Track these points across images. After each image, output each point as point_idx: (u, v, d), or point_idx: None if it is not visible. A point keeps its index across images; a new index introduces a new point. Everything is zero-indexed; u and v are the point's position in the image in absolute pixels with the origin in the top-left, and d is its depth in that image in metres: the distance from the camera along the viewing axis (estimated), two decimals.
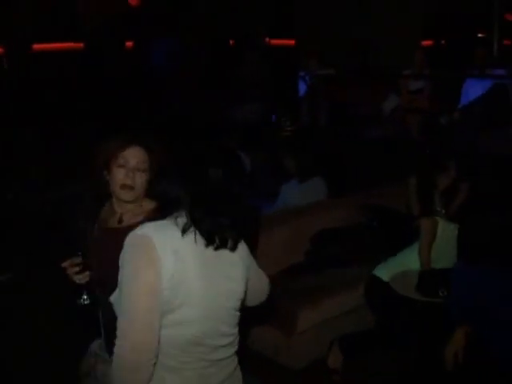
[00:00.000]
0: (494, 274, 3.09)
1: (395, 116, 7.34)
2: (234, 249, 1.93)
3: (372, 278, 3.89)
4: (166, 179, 1.93)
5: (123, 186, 2.35)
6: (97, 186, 2.47)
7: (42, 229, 5.77)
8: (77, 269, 2.38)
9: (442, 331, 3.22)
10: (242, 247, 2.01)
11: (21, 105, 9.18)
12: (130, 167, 2.36)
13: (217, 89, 9.35)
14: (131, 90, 9.87)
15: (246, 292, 2.02)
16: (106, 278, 2.08)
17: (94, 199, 2.53)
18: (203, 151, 1.97)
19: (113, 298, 1.95)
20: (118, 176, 2.36)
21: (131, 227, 1.93)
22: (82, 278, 2.39)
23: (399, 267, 3.86)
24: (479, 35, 10.72)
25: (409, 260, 3.87)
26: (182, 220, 1.85)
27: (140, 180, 2.36)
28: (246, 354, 2.27)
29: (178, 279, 1.79)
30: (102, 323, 2.50)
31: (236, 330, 2.00)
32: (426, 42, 10.50)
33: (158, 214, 1.92)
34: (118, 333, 1.81)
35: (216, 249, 1.87)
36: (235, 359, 2.04)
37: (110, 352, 2.38)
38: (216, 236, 1.87)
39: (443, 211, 3.91)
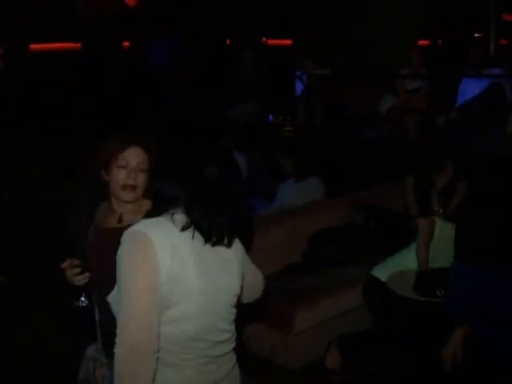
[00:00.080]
0: (491, 274, 3.09)
1: (392, 116, 7.33)
2: (229, 245, 1.96)
3: (370, 278, 3.89)
4: (161, 178, 1.94)
5: (125, 187, 2.35)
6: (96, 187, 2.47)
7: (41, 229, 5.79)
8: (77, 270, 2.37)
9: (440, 331, 3.21)
10: (237, 244, 2.03)
11: (20, 105, 9.18)
12: (131, 168, 2.36)
13: (213, 89, 9.34)
14: (129, 90, 9.87)
15: (241, 288, 2.03)
16: (106, 278, 2.07)
17: (92, 199, 2.53)
18: (199, 150, 1.97)
19: (110, 298, 1.96)
20: (120, 176, 2.36)
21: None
22: (81, 280, 2.37)
23: (397, 267, 3.86)
24: (476, 35, 10.73)
25: (406, 260, 3.86)
26: (179, 217, 1.87)
27: (140, 180, 2.36)
28: (243, 355, 2.27)
29: (175, 275, 1.80)
30: (98, 325, 2.49)
31: (233, 327, 2.02)
32: (423, 42, 10.51)
33: (153, 212, 1.93)
34: (119, 331, 1.81)
35: (213, 245, 1.90)
36: (233, 357, 2.05)
37: (108, 354, 2.38)
38: (213, 233, 1.88)
39: (441, 211, 3.91)
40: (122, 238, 1.85)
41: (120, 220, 2.41)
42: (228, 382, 2.02)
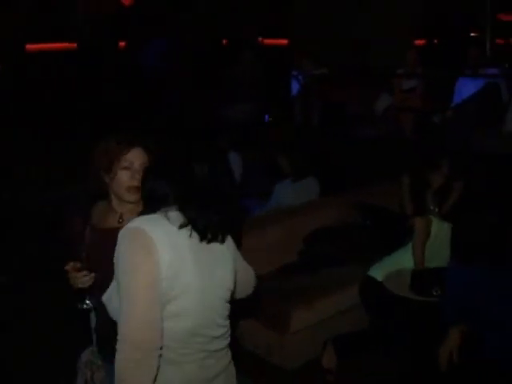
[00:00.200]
0: (487, 274, 3.08)
1: (388, 115, 7.34)
2: (222, 242, 1.98)
3: (366, 278, 3.88)
4: (152, 177, 1.95)
5: (130, 189, 2.35)
6: (97, 187, 2.46)
7: (41, 229, 5.77)
8: (83, 273, 2.34)
9: (437, 331, 3.20)
10: (229, 240, 2.05)
11: (17, 105, 9.17)
12: (135, 169, 2.36)
13: (210, 88, 9.34)
14: (125, 89, 9.86)
15: (235, 283, 2.05)
16: (106, 279, 2.06)
17: (91, 200, 2.52)
18: (188, 149, 1.98)
19: (105, 298, 1.95)
20: (123, 178, 2.36)
21: None
22: (85, 282, 2.34)
23: (393, 267, 3.85)
24: (472, 34, 10.75)
25: (403, 259, 3.86)
26: (173, 214, 1.87)
27: None
28: (239, 354, 2.27)
29: (175, 270, 1.81)
30: (93, 328, 2.49)
31: (228, 322, 2.03)
32: (419, 42, 10.53)
33: (146, 211, 1.93)
34: (120, 329, 1.80)
35: (208, 242, 1.91)
36: (228, 353, 2.06)
37: (104, 357, 2.37)
38: (208, 231, 1.90)
39: (436, 210, 3.91)
40: (120, 236, 1.85)
41: (120, 220, 2.41)
42: (225, 378, 2.03)
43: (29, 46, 10.72)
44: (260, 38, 11.88)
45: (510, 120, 6.24)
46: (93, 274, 2.33)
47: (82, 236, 2.50)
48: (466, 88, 6.68)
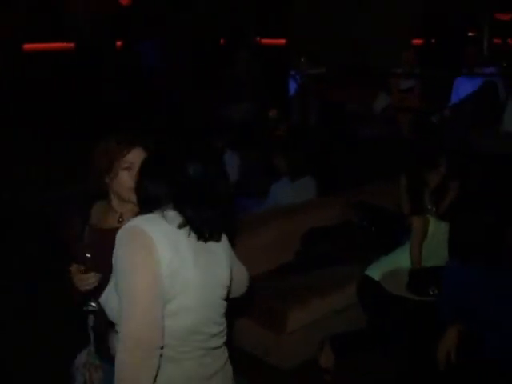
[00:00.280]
0: (485, 273, 3.08)
1: (386, 115, 7.34)
2: (218, 240, 1.99)
3: (364, 277, 3.88)
4: (145, 177, 1.94)
5: (131, 189, 2.32)
6: (97, 187, 2.46)
7: (41, 229, 5.79)
8: (92, 274, 2.31)
9: (434, 330, 3.20)
10: (224, 239, 2.06)
11: (14, 105, 9.17)
12: (136, 169, 2.33)
13: (208, 88, 9.34)
14: (123, 89, 9.86)
15: (231, 280, 2.05)
16: (105, 279, 2.05)
17: (90, 200, 2.52)
18: (181, 149, 1.97)
19: (102, 299, 1.94)
20: (124, 178, 2.35)
21: None
22: (92, 284, 2.31)
23: (391, 266, 3.85)
24: (470, 34, 10.77)
25: (400, 259, 3.86)
26: (170, 213, 1.87)
27: None
28: (236, 355, 2.26)
29: (175, 269, 1.81)
30: (91, 329, 2.48)
31: (224, 320, 2.04)
32: (417, 41, 10.54)
33: (142, 211, 1.93)
34: (122, 329, 1.79)
35: (205, 241, 1.92)
36: (225, 351, 2.07)
37: (102, 357, 2.36)
38: (206, 231, 1.90)
39: (433, 209, 3.91)
40: (119, 236, 1.84)
41: (120, 219, 2.40)
42: (222, 376, 2.03)
43: (26, 46, 10.71)
44: (258, 38, 11.88)
45: (507, 119, 6.25)
46: (99, 275, 2.30)
47: (81, 236, 2.49)
48: (464, 87, 6.69)
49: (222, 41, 12.33)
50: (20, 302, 4.65)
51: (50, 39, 10.85)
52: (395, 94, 7.41)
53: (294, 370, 3.85)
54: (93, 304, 2.37)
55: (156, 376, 1.81)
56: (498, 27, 9.40)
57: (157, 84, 10.16)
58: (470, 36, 10.63)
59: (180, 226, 1.85)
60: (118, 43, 11.49)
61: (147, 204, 1.93)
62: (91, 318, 2.47)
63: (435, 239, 3.81)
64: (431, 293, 3.50)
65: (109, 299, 1.89)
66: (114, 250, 1.84)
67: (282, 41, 11.68)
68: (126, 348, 1.77)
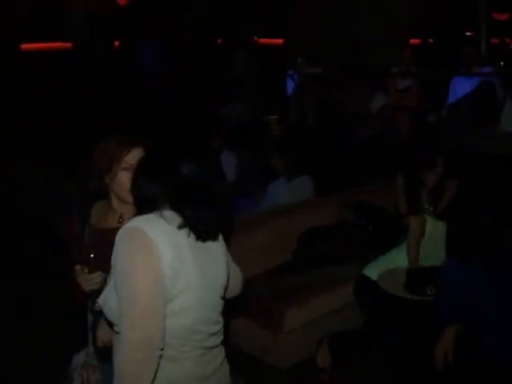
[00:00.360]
0: (483, 273, 3.08)
1: (383, 114, 7.33)
2: (216, 240, 2.00)
3: (361, 277, 3.88)
4: (141, 177, 1.93)
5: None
6: (97, 187, 2.45)
7: (41, 229, 5.79)
8: (98, 273, 2.31)
9: (432, 329, 3.20)
10: (220, 238, 2.06)
11: (12, 105, 9.17)
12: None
13: (206, 88, 9.34)
14: (120, 89, 9.86)
15: (228, 279, 2.06)
16: (105, 279, 2.05)
17: (90, 200, 2.51)
18: (176, 149, 1.96)
19: (101, 300, 1.93)
20: (124, 179, 2.35)
21: None
22: (98, 283, 2.31)
23: (388, 266, 3.85)
24: (467, 34, 10.78)
25: (397, 258, 3.86)
26: (168, 214, 1.87)
27: None
28: (233, 354, 2.27)
29: (176, 269, 1.81)
30: (90, 329, 2.48)
31: (221, 319, 2.04)
32: (414, 41, 10.55)
33: (140, 212, 1.92)
34: (124, 330, 1.79)
35: (204, 241, 1.92)
36: (222, 350, 2.06)
37: (101, 358, 2.36)
38: (204, 231, 1.91)
39: (431, 209, 3.90)
40: (118, 237, 1.83)
41: (120, 220, 2.40)
42: (220, 375, 2.03)
43: (24, 46, 10.70)
44: (255, 38, 11.88)
45: (504, 119, 6.25)
46: (104, 275, 2.28)
47: (81, 236, 2.49)
48: (461, 87, 6.69)
49: (219, 41, 12.31)
50: (20, 302, 4.65)
51: (49, 39, 10.84)
52: (393, 93, 7.40)
53: (291, 369, 3.85)
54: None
55: (156, 375, 1.81)
56: (496, 27, 9.42)
57: (155, 84, 10.15)
58: (468, 36, 10.64)
59: (180, 227, 1.85)
60: (116, 43, 11.48)
61: (143, 204, 1.92)
62: (90, 318, 2.47)
63: (432, 239, 3.81)
64: (429, 292, 3.50)
65: (108, 299, 1.89)
66: (114, 251, 1.84)
67: (280, 40, 11.68)
68: (127, 349, 1.76)
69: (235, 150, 5.94)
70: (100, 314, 2.37)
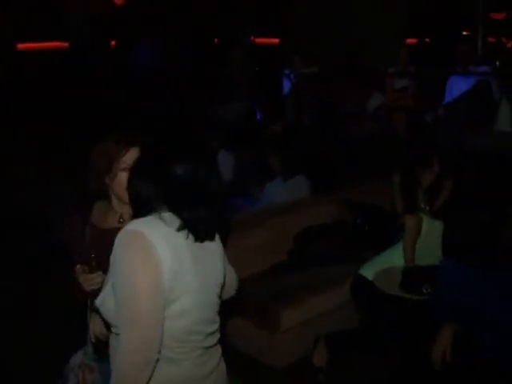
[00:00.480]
0: (479, 273, 3.08)
1: (380, 114, 7.34)
2: (213, 240, 2.00)
3: (357, 276, 3.88)
4: (136, 178, 1.93)
5: None
6: (97, 187, 2.45)
7: (41, 229, 5.78)
8: (99, 273, 2.31)
9: (428, 329, 3.20)
10: (217, 238, 2.06)
11: (17, 105, 9.17)
12: None
13: (202, 88, 9.33)
14: (117, 89, 9.85)
15: (225, 279, 2.06)
16: (105, 279, 2.04)
17: (90, 200, 2.51)
18: (171, 149, 1.95)
19: (99, 302, 1.92)
20: (123, 179, 2.32)
21: None
22: (99, 283, 2.31)
23: (384, 265, 3.85)
24: (464, 33, 10.80)
25: (394, 258, 3.86)
26: (166, 215, 1.87)
27: None
28: (230, 354, 2.26)
29: (175, 271, 1.80)
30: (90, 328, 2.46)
31: (218, 318, 2.04)
32: (411, 40, 10.56)
33: (138, 214, 1.92)
34: (121, 333, 1.79)
35: (202, 241, 1.92)
36: (219, 349, 2.06)
37: (99, 358, 2.35)
38: (202, 231, 1.90)
39: (427, 208, 3.90)
40: (118, 240, 1.83)
41: (121, 220, 2.40)
42: (217, 375, 2.02)
43: (23, 45, 10.68)
44: (252, 37, 11.88)
45: (501, 118, 6.25)
46: (105, 275, 2.26)
47: (81, 236, 2.48)
48: (458, 86, 6.69)
49: (216, 40, 12.31)
50: (20, 302, 4.65)
51: (49, 39, 10.83)
52: (389, 93, 7.41)
53: (287, 369, 3.85)
54: None
55: (156, 377, 1.81)
56: (493, 26, 9.43)
57: (152, 84, 10.14)
58: (465, 35, 10.66)
59: (179, 229, 1.85)
60: (113, 43, 11.47)
61: (138, 204, 1.92)
62: (89, 318, 2.46)
63: (429, 238, 3.81)
64: (424, 291, 3.50)
65: (105, 300, 1.88)
66: (113, 253, 1.83)
67: (276, 40, 11.68)
68: (126, 351, 1.76)
69: (232, 149, 5.93)
70: (97, 313, 2.38)
